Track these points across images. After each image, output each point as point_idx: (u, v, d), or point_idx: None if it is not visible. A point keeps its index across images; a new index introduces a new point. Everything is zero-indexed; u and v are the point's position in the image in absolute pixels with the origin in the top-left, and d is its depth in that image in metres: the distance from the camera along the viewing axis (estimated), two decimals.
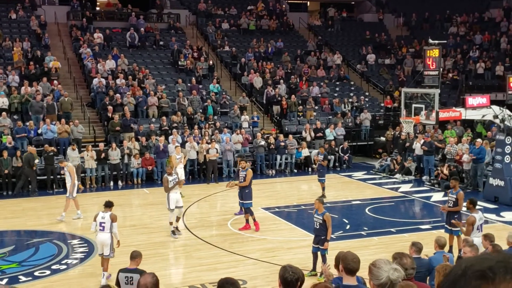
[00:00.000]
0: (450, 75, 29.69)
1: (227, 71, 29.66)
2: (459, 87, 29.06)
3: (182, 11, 33.25)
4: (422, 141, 21.16)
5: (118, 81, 24.65)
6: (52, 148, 19.88)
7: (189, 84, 25.94)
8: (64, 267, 11.74)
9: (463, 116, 18.08)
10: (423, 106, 17.10)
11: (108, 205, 10.66)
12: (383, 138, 25.41)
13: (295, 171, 22.92)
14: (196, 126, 22.73)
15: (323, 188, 17.74)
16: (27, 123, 21.02)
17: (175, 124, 22.61)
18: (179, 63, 27.65)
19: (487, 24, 34.78)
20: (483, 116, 17.82)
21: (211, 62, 28.47)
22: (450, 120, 21.76)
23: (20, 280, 10.92)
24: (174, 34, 30.73)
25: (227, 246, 12.90)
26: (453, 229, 11.39)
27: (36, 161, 18.91)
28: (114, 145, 20.39)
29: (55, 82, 23.95)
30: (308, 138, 23.73)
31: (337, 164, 23.46)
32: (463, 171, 19.64)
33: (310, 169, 22.75)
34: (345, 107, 26.71)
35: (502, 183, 17.20)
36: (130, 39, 28.89)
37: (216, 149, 21.06)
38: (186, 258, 12.54)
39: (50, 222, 15.26)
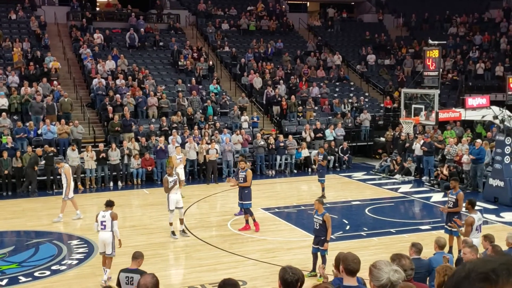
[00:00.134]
0: (450, 75, 29.69)
1: (227, 71, 29.65)
2: (458, 88, 29.07)
3: (182, 12, 33.26)
4: (422, 141, 21.17)
5: (118, 81, 24.65)
6: (52, 148, 19.90)
7: (189, 85, 25.93)
8: (64, 267, 11.74)
9: (462, 117, 18.06)
10: (422, 106, 17.08)
11: (109, 204, 10.69)
12: (382, 139, 25.42)
13: (295, 171, 22.94)
14: (196, 127, 22.73)
15: (323, 189, 17.74)
16: (27, 124, 21.03)
17: (175, 125, 22.61)
18: (179, 63, 27.64)
19: (487, 25, 34.78)
20: (483, 116, 17.79)
21: (211, 62, 28.47)
22: (450, 120, 21.74)
23: (20, 281, 10.93)
24: (174, 35, 30.74)
25: (227, 247, 12.90)
26: (453, 229, 11.40)
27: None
28: (114, 145, 20.40)
29: (55, 82, 23.96)
30: (308, 139, 23.75)
31: (337, 164, 23.48)
32: (463, 172, 19.64)
33: (310, 170, 22.77)
34: (345, 108, 26.73)
35: (501, 183, 17.20)
36: (130, 39, 28.88)
37: (216, 149, 21.06)
38: (186, 258, 12.55)
39: (50, 222, 15.26)
